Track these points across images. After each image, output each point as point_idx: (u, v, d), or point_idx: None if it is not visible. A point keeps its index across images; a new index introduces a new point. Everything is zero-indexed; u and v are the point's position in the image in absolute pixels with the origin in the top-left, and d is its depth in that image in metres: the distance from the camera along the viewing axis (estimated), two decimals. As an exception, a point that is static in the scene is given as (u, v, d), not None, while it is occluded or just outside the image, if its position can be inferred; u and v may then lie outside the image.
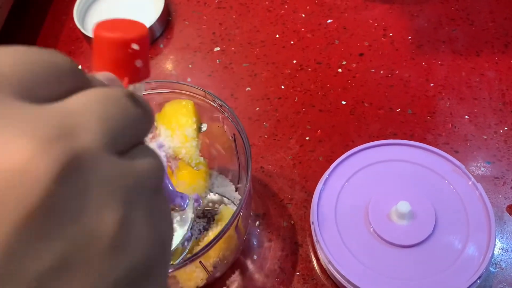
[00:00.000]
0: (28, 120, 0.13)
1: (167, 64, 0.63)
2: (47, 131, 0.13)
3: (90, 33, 0.64)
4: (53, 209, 0.12)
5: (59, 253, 0.13)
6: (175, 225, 0.39)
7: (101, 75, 0.19)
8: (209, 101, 0.43)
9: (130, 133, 0.16)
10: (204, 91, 0.42)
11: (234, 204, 0.48)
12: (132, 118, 0.16)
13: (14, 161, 0.12)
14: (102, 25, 0.21)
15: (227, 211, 0.44)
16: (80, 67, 0.17)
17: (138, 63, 0.21)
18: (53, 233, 0.13)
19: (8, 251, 0.12)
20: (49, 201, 0.12)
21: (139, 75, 0.22)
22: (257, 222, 0.50)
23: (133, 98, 0.17)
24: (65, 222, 0.13)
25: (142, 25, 0.22)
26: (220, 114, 0.43)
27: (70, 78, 0.15)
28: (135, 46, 0.20)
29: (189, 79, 0.62)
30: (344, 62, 0.61)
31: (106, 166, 0.14)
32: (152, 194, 0.16)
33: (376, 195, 0.47)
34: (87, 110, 0.14)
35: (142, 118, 0.17)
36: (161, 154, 0.41)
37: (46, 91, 0.15)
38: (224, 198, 0.49)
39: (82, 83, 0.16)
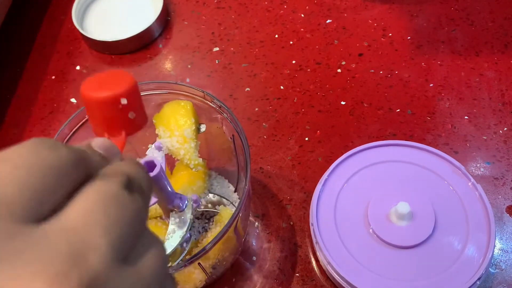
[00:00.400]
0: (38, 253, 0.13)
1: (166, 64, 0.63)
2: (59, 264, 0.13)
3: (88, 33, 0.64)
4: None
5: None
6: (174, 226, 0.39)
7: (98, 145, 0.20)
8: (208, 102, 0.43)
9: (133, 231, 0.16)
10: (203, 92, 0.42)
11: (233, 205, 0.48)
12: (133, 214, 0.17)
13: None
14: (89, 84, 0.21)
15: (226, 212, 0.44)
16: (82, 155, 0.17)
17: (131, 115, 0.21)
18: None
19: None
20: None
21: (135, 125, 0.21)
22: (256, 223, 0.50)
23: (131, 187, 0.17)
24: None
25: (129, 76, 0.21)
26: (219, 115, 0.43)
27: (73, 174, 0.16)
28: (124, 101, 0.20)
29: (188, 79, 0.61)
30: (343, 63, 0.61)
31: (116, 283, 0.15)
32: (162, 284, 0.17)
33: (376, 196, 0.46)
34: (90, 224, 0.15)
35: (143, 209, 0.17)
36: (160, 155, 0.41)
37: (50, 202, 0.15)
38: (223, 199, 0.49)
39: (85, 173, 0.17)
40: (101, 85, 0.21)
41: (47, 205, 0.15)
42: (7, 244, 0.13)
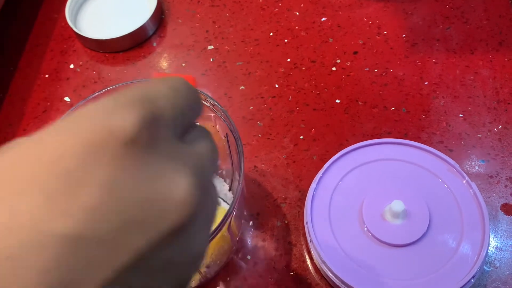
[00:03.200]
0: (184, 163, 0.18)
1: (160, 62, 0.63)
2: (193, 177, 0.18)
3: (82, 32, 0.64)
4: (184, 231, 0.17)
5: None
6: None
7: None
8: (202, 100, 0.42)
9: (195, 111, 0.21)
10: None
11: (228, 203, 0.48)
12: (194, 99, 0.21)
13: (177, 193, 0.17)
14: None
15: (220, 210, 0.44)
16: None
17: None
18: (174, 250, 0.17)
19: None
20: (187, 225, 0.17)
21: None
22: (251, 222, 0.50)
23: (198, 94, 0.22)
24: (185, 243, 0.18)
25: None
26: (212, 113, 0.42)
27: (196, 111, 0.21)
28: None
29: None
30: (338, 61, 0.61)
31: (173, 144, 0.19)
32: (211, 170, 0.20)
33: (370, 194, 0.46)
34: (206, 155, 0.20)
35: (199, 98, 0.21)
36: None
37: (185, 123, 0.20)
38: (218, 198, 0.49)
39: (196, 116, 0.21)
40: None
41: (183, 124, 0.19)
42: (172, 149, 0.18)
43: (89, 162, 0.15)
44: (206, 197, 0.18)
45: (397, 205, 0.43)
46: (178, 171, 0.17)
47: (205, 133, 0.21)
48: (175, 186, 0.17)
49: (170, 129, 0.18)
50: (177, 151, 0.18)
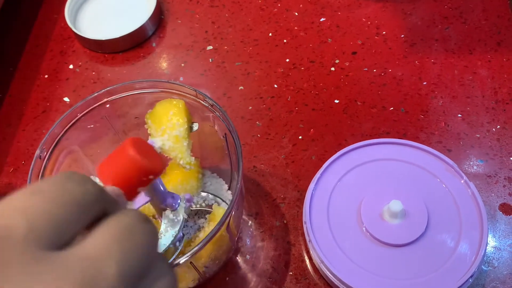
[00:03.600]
0: (56, 276, 0.15)
1: (159, 63, 0.63)
2: (72, 286, 0.15)
3: (81, 32, 0.64)
4: None
5: None
6: (167, 226, 0.39)
7: (110, 189, 0.22)
8: (200, 101, 0.43)
9: (145, 261, 0.18)
10: (195, 91, 0.42)
11: (227, 203, 0.48)
12: (145, 246, 0.18)
13: None
14: (134, 142, 0.23)
15: (219, 210, 0.44)
16: (103, 191, 0.19)
17: (141, 189, 0.23)
18: None
19: None
20: None
21: (129, 196, 0.24)
22: (250, 222, 0.50)
23: (144, 220, 0.19)
24: None
25: (163, 163, 0.24)
26: (211, 114, 0.43)
27: (95, 208, 0.18)
28: (151, 177, 0.22)
29: (181, 78, 0.61)
30: (337, 61, 0.61)
31: None
32: None
33: (369, 194, 0.46)
34: (105, 253, 0.17)
35: (155, 240, 0.19)
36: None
37: (72, 232, 0.17)
38: (217, 198, 0.49)
39: (103, 208, 0.19)
40: (143, 151, 0.23)
41: (69, 235, 0.17)
42: (30, 265, 0.15)
43: None
44: None
45: (396, 205, 0.43)
46: None
47: (164, 268, 0.19)
48: None
49: (27, 242, 0.16)
50: (46, 266, 0.16)
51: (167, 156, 0.42)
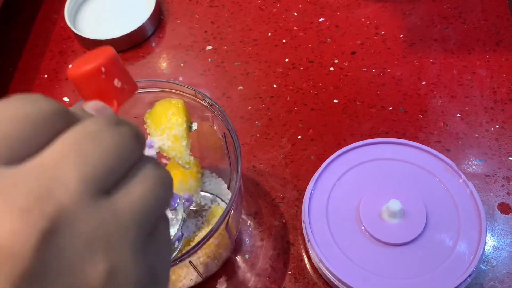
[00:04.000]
0: (4, 190, 0.14)
1: (159, 63, 0.63)
2: (23, 200, 0.14)
3: (81, 32, 0.64)
4: (37, 277, 0.14)
5: None
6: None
7: (89, 105, 0.20)
8: (199, 100, 0.43)
9: (116, 163, 0.16)
10: (194, 90, 0.42)
11: (226, 203, 0.48)
12: (115, 147, 0.16)
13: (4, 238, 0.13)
14: (74, 66, 0.22)
15: (219, 210, 0.44)
16: (64, 108, 0.17)
17: (117, 83, 0.22)
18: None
19: None
20: (33, 271, 0.13)
21: (124, 92, 0.22)
22: (249, 221, 0.50)
23: (115, 123, 0.17)
24: (58, 276, 0.14)
25: (108, 48, 0.22)
26: (210, 113, 0.43)
27: (51, 125, 0.16)
28: (103, 69, 0.21)
29: (181, 78, 0.61)
30: (336, 61, 0.61)
31: (85, 218, 0.15)
32: (143, 227, 0.16)
33: (367, 194, 0.46)
34: (62, 161, 0.15)
35: (129, 141, 0.17)
36: (151, 153, 0.41)
37: (25, 148, 0.15)
38: (216, 197, 0.49)
39: (66, 124, 0.16)
40: (84, 62, 0.22)
41: (21, 151, 0.15)
42: None
43: None
44: (137, 265, 0.15)
45: (394, 205, 0.43)
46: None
47: (148, 172, 0.17)
48: None
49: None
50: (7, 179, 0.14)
51: (166, 156, 0.42)
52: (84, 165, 0.15)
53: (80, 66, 0.22)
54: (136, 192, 0.16)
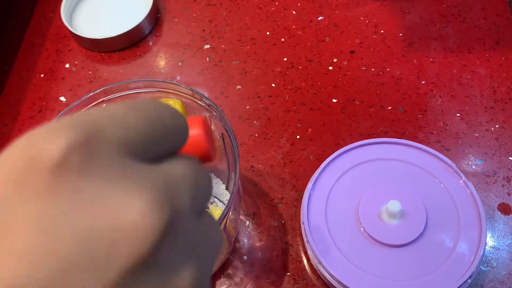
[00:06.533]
0: (141, 181, 0.15)
1: (156, 62, 0.63)
2: (155, 192, 0.15)
3: (78, 31, 0.63)
4: (147, 268, 0.14)
5: None
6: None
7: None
8: (197, 100, 0.42)
9: (205, 199, 0.19)
10: (192, 90, 0.42)
11: (224, 204, 0.48)
12: (207, 187, 0.19)
13: (129, 217, 0.14)
14: (205, 125, 0.23)
15: (216, 211, 0.44)
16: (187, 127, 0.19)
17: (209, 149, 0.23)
18: (147, 284, 0.15)
19: None
20: (148, 260, 0.14)
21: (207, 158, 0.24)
22: (247, 222, 0.50)
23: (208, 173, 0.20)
24: (159, 275, 0.15)
25: (215, 149, 0.24)
26: (208, 113, 0.42)
27: (175, 138, 0.18)
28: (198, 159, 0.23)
29: (178, 77, 0.61)
30: (335, 60, 0.60)
31: (189, 228, 0.16)
32: (194, 199, 0.18)
33: (367, 194, 0.46)
34: (184, 178, 0.17)
35: (211, 187, 0.20)
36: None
37: (156, 149, 0.17)
38: (215, 198, 0.48)
39: (179, 145, 0.19)
40: (208, 135, 0.23)
41: (154, 155, 0.17)
42: (116, 169, 0.15)
43: (13, 199, 0.13)
44: (185, 222, 0.16)
45: (394, 205, 0.43)
46: (129, 191, 0.14)
47: (189, 160, 0.18)
48: (126, 211, 0.14)
49: (118, 148, 0.16)
50: (132, 170, 0.15)
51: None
52: (195, 190, 0.17)
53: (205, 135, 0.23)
54: (181, 164, 0.18)
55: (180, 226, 0.16)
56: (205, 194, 0.19)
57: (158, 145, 0.17)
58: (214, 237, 0.18)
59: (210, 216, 0.19)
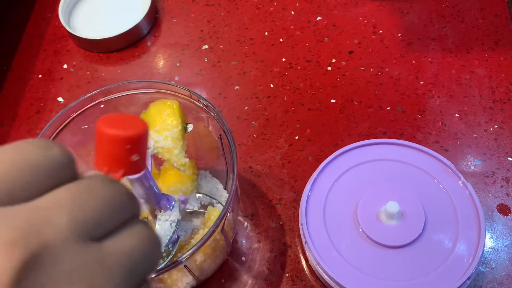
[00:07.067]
0: (5, 223, 0.15)
1: (154, 62, 0.63)
2: (10, 234, 0.14)
3: (76, 31, 0.63)
4: None
5: None
6: (161, 228, 0.38)
7: (92, 173, 0.20)
8: (194, 101, 0.42)
9: (108, 215, 0.17)
10: (189, 91, 0.42)
11: (222, 204, 0.47)
12: (108, 200, 0.17)
13: None
14: (105, 120, 0.22)
15: (214, 212, 0.44)
16: (72, 159, 0.18)
17: (135, 157, 0.22)
18: None
19: None
20: None
21: (134, 167, 0.23)
22: (246, 223, 0.50)
23: (111, 182, 0.18)
24: None
25: (143, 123, 0.23)
26: (205, 114, 0.42)
27: (57, 175, 0.17)
28: (132, 144, 0.22)
29: (176, 78, 0.61)
30: (333, 60, 0.60)
31: (69, 256, 0.15)
32: (127, 281, 0.17)
33: (365, 195, 0.46)
34: (57, 204, 0.16)
35: (122, 197, 0.18)
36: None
37: (25, 193, 0.16)
38: (212, 199, 0.48)
39: (71, 175, 0.17)
40: (117, 123, 0.23)
41: (22, 195, 0.16)
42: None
43: None
44: (61, 251, 0.15)
45: (392, 206, 0.43)
46: None
47: (141, 232, 0.18)
48: None
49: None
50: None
51: (161, 157, 0.41)
52: (77, 211, 0.16)
53: (111, 125, 0.22)
54: (125, 243, 0.17)
55: (51, 259, 0.15)
56: (99, 214, 0.17)
57: (29, 184, 0.16)
58: (116, 263, 0.17)
59: (134, 231, 0.18)
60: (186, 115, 0.42)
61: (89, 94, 0.43)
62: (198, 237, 0.43)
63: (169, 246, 0.38)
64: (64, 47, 0.65)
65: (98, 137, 0.22)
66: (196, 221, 0.46)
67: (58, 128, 0.42)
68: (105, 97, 0.43)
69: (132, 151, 0.22)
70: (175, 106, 0.41)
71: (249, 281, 0.46)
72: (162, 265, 0.38)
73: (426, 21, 0.63)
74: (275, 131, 0.55)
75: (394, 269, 0.42)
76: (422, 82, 0.58)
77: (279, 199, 0.51)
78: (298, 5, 0.66)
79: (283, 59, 0.61)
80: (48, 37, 0.66)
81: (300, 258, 0.47)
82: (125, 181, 0.33)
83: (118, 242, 0.17)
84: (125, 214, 0.18)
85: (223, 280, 0.47)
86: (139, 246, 0.18)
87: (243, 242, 0.49)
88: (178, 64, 0.62)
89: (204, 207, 0.47)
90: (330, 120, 0.56)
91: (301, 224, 0.45)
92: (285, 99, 0.58)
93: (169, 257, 0.39)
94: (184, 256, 0.34)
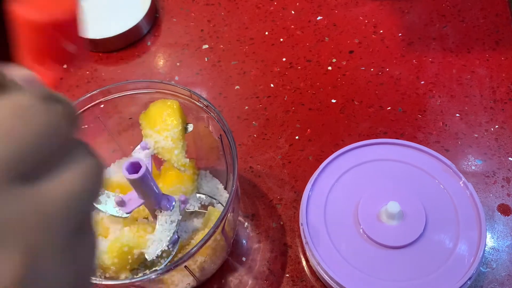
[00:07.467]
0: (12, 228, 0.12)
1: (154, 62, 0.62)
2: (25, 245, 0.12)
3: (75, 31, 0.63)
4: None
5: None
6: (161, 228, 0.38)
7: (20, 75, 0.17)
8: (195, 101, 0.42)
9: (42, 148, 0.14)
10: (190, 91, 0.42)
11: (222, 205, 0.47)
12: (43, 129, 0.14)
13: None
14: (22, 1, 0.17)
15: (215, 212, 0.43)
16: None
17: (69, 47, 0.18)
18: None
19: None
20: None
21: (72, 59, 0.18)
22: (246, 223, 0.50)
23: (48, 99, 0.15)
24: None
25: (70, 2, 0.18)
26: (206, 114, 0.42)
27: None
28: (58, 29, 0.17)
29: (176, 78, 0.61)
30: (334, 60, 0.60)
31: (2, 206, 0.12)
32: (69, 222, 0.14)
33: (366, 195, 0.46)
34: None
35: (60, 122, 0.15)
36: (146, 155, 0.41)
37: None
38: (213, 199, 0.48)
39: None
40: (36, 4, 0.18)
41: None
42: None
43: None
44: (60, 268, 0.13)
45: (393, 207, 0.43)
46: None
47: (82, 160, 0.15)
48: None
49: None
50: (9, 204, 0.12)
51: (161, 157, 0.41)
52: (7, 147, 0.13)
53: (30, 8, 0.17)
54: (62, 181, 0.14)
55: None
56: (32, 148, 0.14)
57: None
58: (57, 208, 0.14)
59: (74, 159, 0.15)
60: (186, 115, 0.42)
61: (89, 94, 0.43)
62: (198, 237, 0.42)
63: (170, 246, 0.38)
64: (64, 47, 0.65)
65: (19, 28, 0.17)
66: (197, 222, 0.45)
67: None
68: (105, 97, 0.43)
69: (63, 37, 0.17)
70: (175, 106, 0.41)
71: (250, 281, 0.46)
72: (163, 265, 0.38)
73: (427, 20, 0.63)
74: (276, 131, 0.55)
75: (395, 269, 0.42)
76: (422, 82, 0.57)
77: (280, 199, 0.50)
78: (298, 4, 0.66)
79: (284, 59, 0.61)
80: (48, 36, 0.66)
81: (300, 258, 0.47)
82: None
83: (54, 181, 0.14)
84: (63, 142, 0.15)
85: (223, 281, 0.46)
86: (80, 180, 0.15)
87: (244, 242, 0.49)
88: (178, 64, 0.62)
89: (205, 207, 0.46)
90: (330, 120, 0.55)
91: (302, 224, 0.45)
92: (285, 99, 0.57)
93: (170, 258, 0.39)
94: (185, 256, 0.34)
